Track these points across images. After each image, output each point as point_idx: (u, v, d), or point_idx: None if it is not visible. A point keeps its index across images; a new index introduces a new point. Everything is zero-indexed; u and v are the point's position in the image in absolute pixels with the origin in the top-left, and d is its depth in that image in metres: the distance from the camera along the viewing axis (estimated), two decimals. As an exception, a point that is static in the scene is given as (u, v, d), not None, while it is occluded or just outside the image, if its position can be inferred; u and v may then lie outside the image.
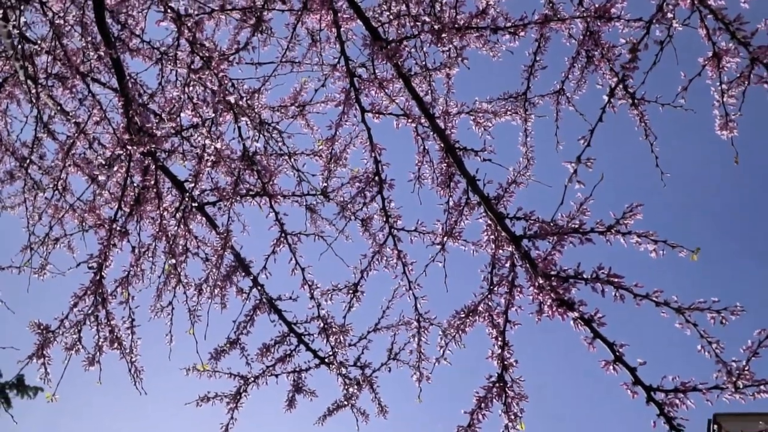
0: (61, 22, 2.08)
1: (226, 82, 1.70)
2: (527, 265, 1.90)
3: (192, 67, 1.74)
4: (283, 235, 2.35)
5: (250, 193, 2.40)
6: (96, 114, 2.48)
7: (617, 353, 1.72)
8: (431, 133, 2.17)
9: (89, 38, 2.42)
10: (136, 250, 2.50)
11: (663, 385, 1.70)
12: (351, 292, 2.31)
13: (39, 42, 2.44)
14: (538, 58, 2.45)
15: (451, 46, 2.10)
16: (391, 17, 2.16)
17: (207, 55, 1.79)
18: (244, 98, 1.88)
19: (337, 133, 2.33)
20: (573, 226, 1.89)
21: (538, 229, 1.91)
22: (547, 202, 1.97)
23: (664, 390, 1.69)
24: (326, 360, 2.52)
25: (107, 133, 2.52)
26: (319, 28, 2.42)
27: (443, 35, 1.97)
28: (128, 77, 2.39)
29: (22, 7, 2.20)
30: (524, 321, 1.94)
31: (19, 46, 2.23)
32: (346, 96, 2.23)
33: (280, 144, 2.61)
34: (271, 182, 2.30)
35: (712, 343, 1.69)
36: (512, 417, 1.82)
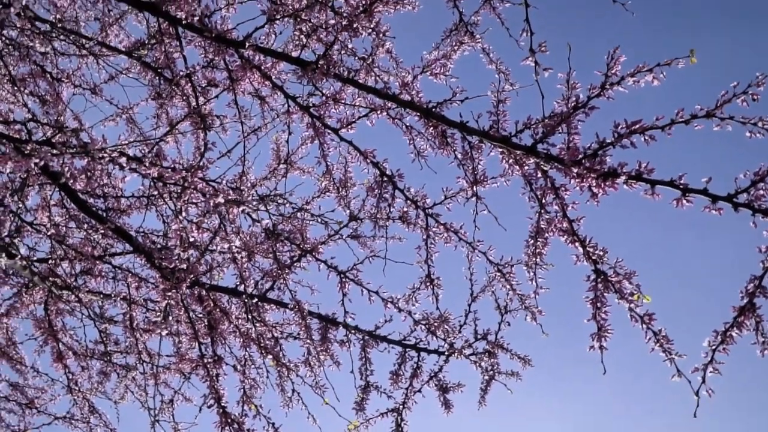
0: (54, 231, 2.19)
1: (206, 190, 1.76)
2: (556, 164, 1.89)
3: (172, 195, 1.81)
4: (342, 276, 2.41)
5: (293, 259, 2.46)
6: (132, 281, 2.59)
7: (681, 186, 1.70)
8: (402, 110, 2.18)
9: (85, 225, 2.53)
10: (238, 366, 2.59)
11: (739, 186, 1.66)
12: (428, 284, 2.34)
13: (51, 256, 2.57)
14: (452, -17, 2.44)
15: (369, 28, 2.11)
16: (305, 39, 2.18)
17: (179, 177, 1.85)
18: (231, 189, 1.94)
19: (328, 163, 2.37)
20: (572, 105, 1.88)
21: (543, 128, 1.90)
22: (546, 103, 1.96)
23: (744, 189, 1.66)
24: (448, 352, 2.55)
25: (151, 290, 2.63)
26: (255, 88, 2.47)
27: (355, 26, 1.99)
28: (135, 235, 2.49)
29: (17, 239, 2.32)
30: (586, 212, 1.93)
31: (37, 271, 2.35)
32: (314, 128, 2.27)
33: (287, 204, 2.67)
34: (304, 241, 2.36)
35: (756, 123, 1.66)
36: (629, 298, 1.81)
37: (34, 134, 2.31)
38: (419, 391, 2.65)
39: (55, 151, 1.73)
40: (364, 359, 2.63)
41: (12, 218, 2.39)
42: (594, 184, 1.79)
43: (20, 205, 2.24)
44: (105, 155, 1.71)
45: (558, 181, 1.94)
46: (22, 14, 2.00)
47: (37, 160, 1.66)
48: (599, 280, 1.85)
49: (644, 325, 1.80)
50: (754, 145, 1.67)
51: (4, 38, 2.56)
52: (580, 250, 1.91)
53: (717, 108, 1.68)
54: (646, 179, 1.73)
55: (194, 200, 1.88)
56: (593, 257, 1.87)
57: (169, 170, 1.88)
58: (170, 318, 2.14)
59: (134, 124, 2.89)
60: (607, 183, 1.78)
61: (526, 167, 1.99)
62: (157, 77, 2.73)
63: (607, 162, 1.78)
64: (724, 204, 1.67)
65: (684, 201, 1.70)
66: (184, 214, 1.93)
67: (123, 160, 1.70)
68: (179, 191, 1.84)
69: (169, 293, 2.07)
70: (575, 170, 1.80)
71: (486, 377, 2.65)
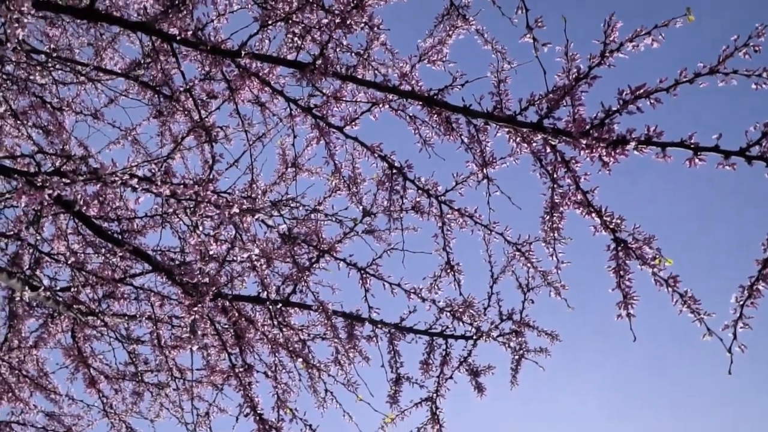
0: (73, 259, 2.20)
1: (220, 202, 1.77)
2: (564, 138, 1.89)
3: (186, 211, 1.82)
4: (362, 272, 2.41)
5: (312, 261, 2.47)
6: (155, 300, 2.61)
7: (692, 145, 1.69)
8: (404, 100, 2.18)
9: (102, 249, 2.55)
10: (269, 373, 2.61)
11: (751, 139, 1.65)
12: (449, 271, 2.34)
13: (72, 284, 2.59)
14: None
15: (362, 23, 2.11)
16: (299, 41, 2.18)
17: (192, 192, 1.86)
18: (244, 198, 1.95)
19: (336, 161, 2.38)
20: (573, 76, 1.87)
21: (547, 103, 1.89)
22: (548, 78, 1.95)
23: (755, 142, 1.65)
24: (475, 336, 2.55)
25: (175, 306, 2.65)
26: (255, 95, 2.48)
27: (348, 22, 1.99)
28: (153, 254, 2.51)
29: (37, 271, 2.34)
30: (599, 181, 1.92)
31: (61, 300, 2.37)
32: (318, 129, 2.27)
33: (300, 207, 2.67)
34: (320, 242, 2.37)
35: (761, 74, 1.65)
36: (651, 263, 1.81)
37: (42, 165, 2.33)
38: (451, 377, 2.66)
39: (66, 180, 1.74)
40: (392, 352, 2.64)
41: (30, 251, 2.41)
42: (604, 153, 1.78)
43: (37, 237, 2.26)
44: (116, 179, 1.72)
45: (568, 155, 1.94)
46: (19, 48, 2.01)
47: (50, 191, 1.67)
48: (620, 248, 1.85)
49: (670, 288, 1.79)
50: (757, 101, 1.66)
51: (2, 74, 2.58)
52: (598, 220, 1.90)
53: (720, 63, 1.67)
54: (656, 142, 1.73)
55: (209, 213, 1.89)
56: (611, 226, 1.86)
57: (181, 186, 1.89)
58: (198, 332, 2.15)
59: (139, 144, 2.91)
60: (617, 150, 1.77)
61: (534, 144, 1.98)
62: (156, 95, 2.73)
63: (614, 130, 1.77)
64: (736, 159, 1.67)
65: (696, 160, 1.69)
66: (200, 228, 1.95)
67: (134, 181, 1.71)
68: (193, 206, 1.85)
69: (194, 308, 2.08)
70: (584, 141, 1.79)
71: (515, 357, 2.65)
